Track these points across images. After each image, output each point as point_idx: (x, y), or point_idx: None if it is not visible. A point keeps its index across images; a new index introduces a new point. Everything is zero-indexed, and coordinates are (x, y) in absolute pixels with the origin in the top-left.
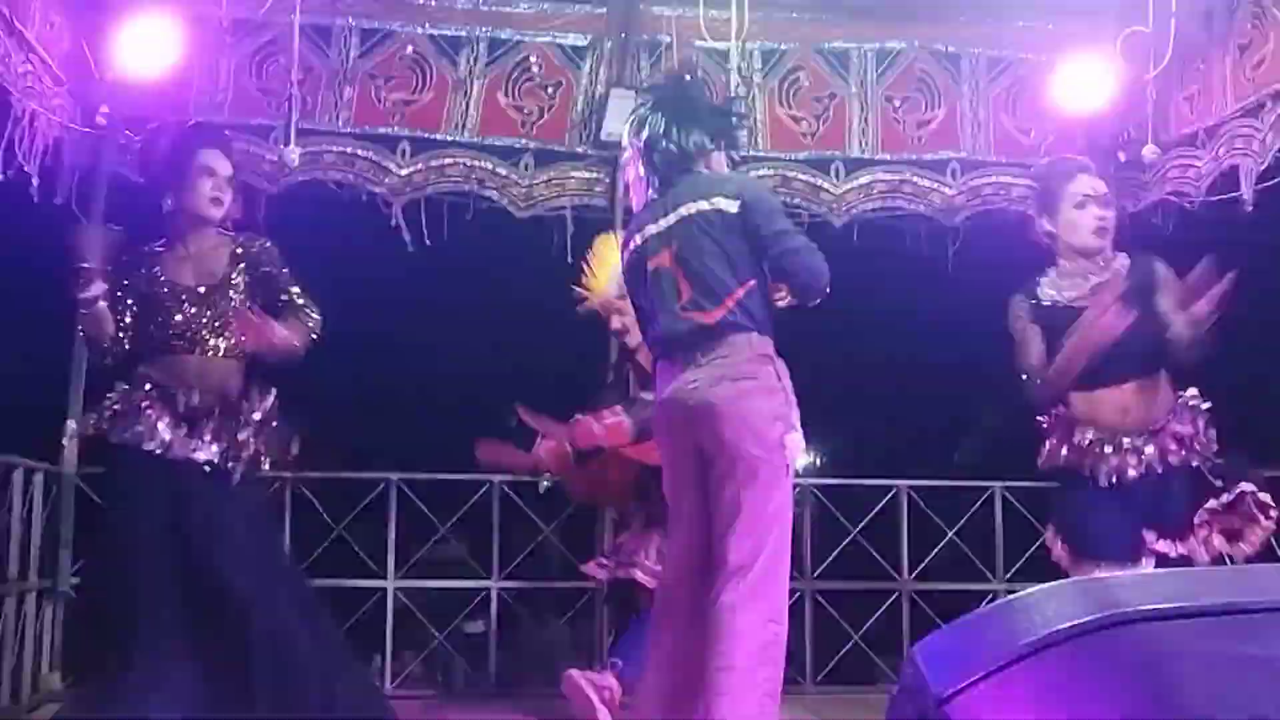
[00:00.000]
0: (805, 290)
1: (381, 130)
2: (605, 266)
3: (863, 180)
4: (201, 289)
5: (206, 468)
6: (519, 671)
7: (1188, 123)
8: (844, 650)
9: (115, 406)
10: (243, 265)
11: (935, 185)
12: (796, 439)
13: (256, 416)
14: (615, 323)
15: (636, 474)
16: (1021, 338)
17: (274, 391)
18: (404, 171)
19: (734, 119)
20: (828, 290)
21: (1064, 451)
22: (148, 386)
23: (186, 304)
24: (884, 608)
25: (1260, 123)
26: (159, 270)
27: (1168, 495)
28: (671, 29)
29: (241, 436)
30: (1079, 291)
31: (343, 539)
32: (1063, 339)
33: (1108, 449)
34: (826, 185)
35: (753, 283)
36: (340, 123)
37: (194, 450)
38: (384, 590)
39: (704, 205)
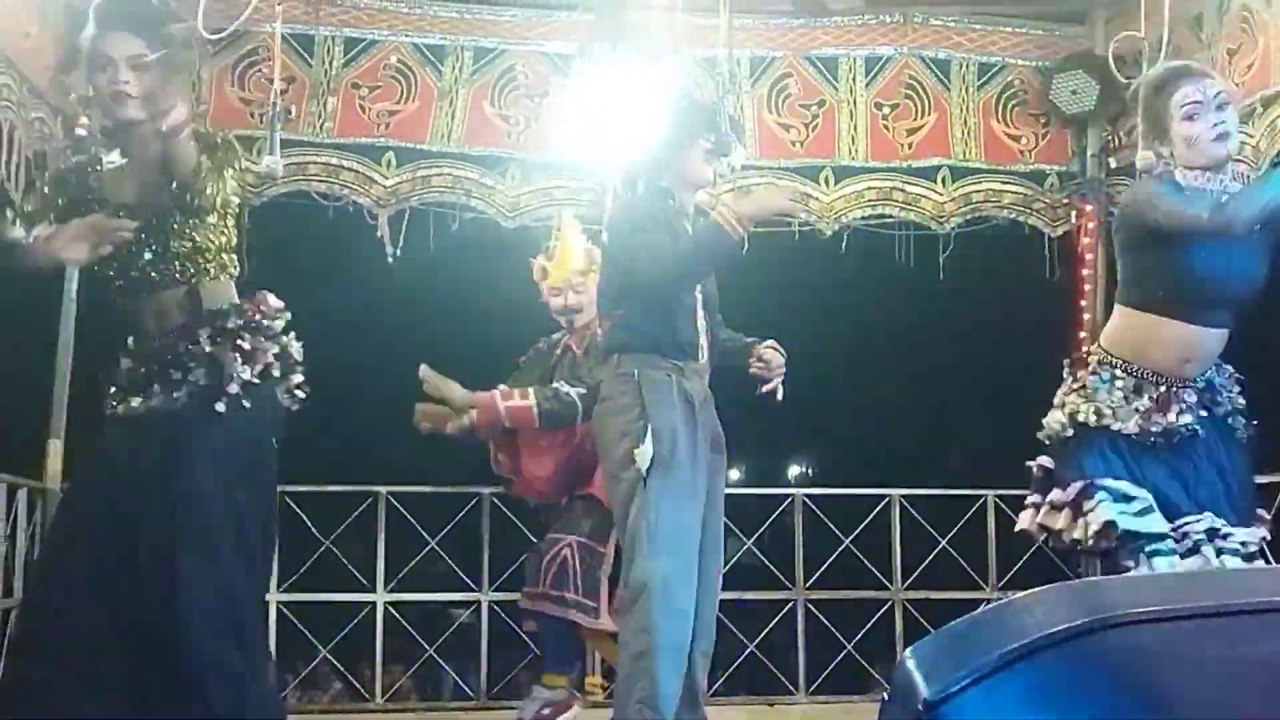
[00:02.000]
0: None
1: (366, 140)
2: (569, 243)
3: (853, 188)
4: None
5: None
6: (509, 683)
7: None
8: (836, 659)
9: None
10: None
11: (925, 192)
12: (644, 451)
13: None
14: (571, 299)
15: (552, 469)
16: (1173, 207)
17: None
18: (389, 182)
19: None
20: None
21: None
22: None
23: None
24: (876, 617)
25: (1251, 128)
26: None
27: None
28: (659, 36)
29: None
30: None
31: (331, 552)
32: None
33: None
34: (816, 193)
35: (621, 312)
36: (324, 133)
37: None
38: (373, 604)
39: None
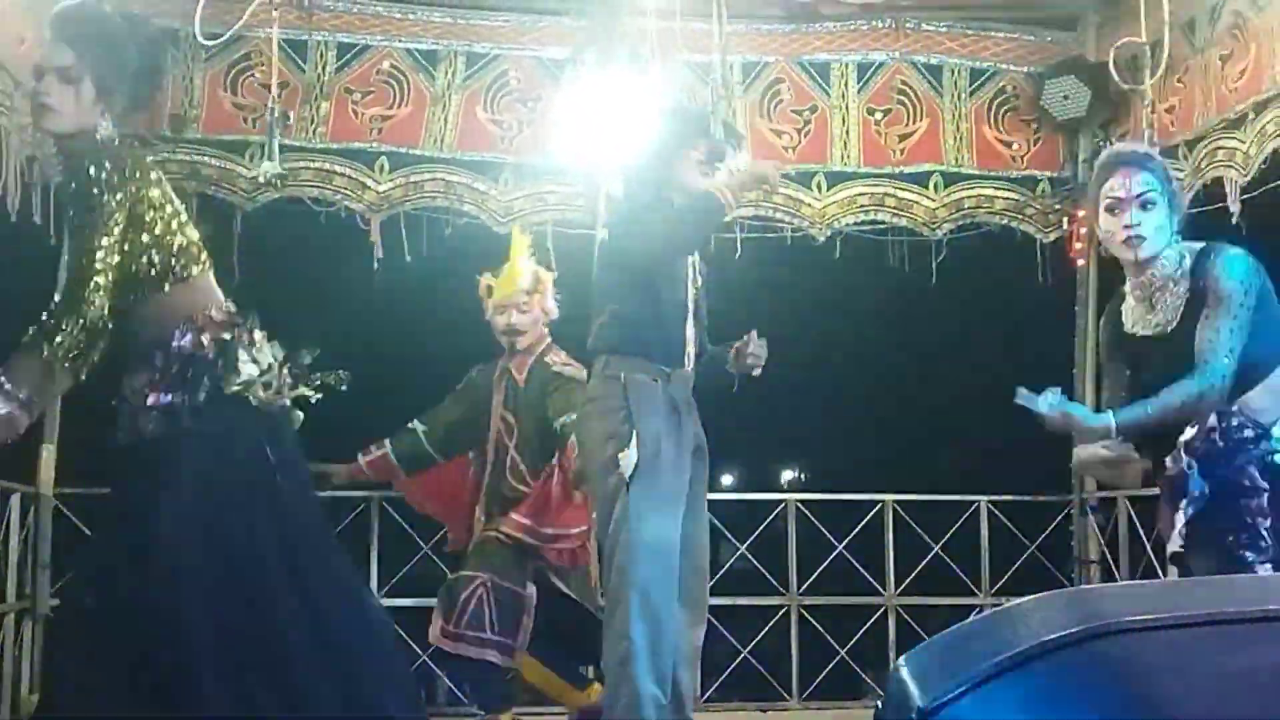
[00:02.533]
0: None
1: (359, 145)
2: (517, 262)
3: (845, 193)
4: None
5: None
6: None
7: (1168, 135)
8: (830, 665)
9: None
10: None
11: (917, 198)
12: (629, 456)
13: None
14: (515, 318)
15: (455, 491)
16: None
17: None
18: (382, 187)
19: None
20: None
21: None
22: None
23: None
24: (869, 622)
25: (1243, 134)
26: None
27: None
28: (652, 42)
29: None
30: (1144, 325)
31: None
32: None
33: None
34: (808, 199)
35: (612, 307)
36: (317, 138)
37: None
38: None
39: (603, 234)
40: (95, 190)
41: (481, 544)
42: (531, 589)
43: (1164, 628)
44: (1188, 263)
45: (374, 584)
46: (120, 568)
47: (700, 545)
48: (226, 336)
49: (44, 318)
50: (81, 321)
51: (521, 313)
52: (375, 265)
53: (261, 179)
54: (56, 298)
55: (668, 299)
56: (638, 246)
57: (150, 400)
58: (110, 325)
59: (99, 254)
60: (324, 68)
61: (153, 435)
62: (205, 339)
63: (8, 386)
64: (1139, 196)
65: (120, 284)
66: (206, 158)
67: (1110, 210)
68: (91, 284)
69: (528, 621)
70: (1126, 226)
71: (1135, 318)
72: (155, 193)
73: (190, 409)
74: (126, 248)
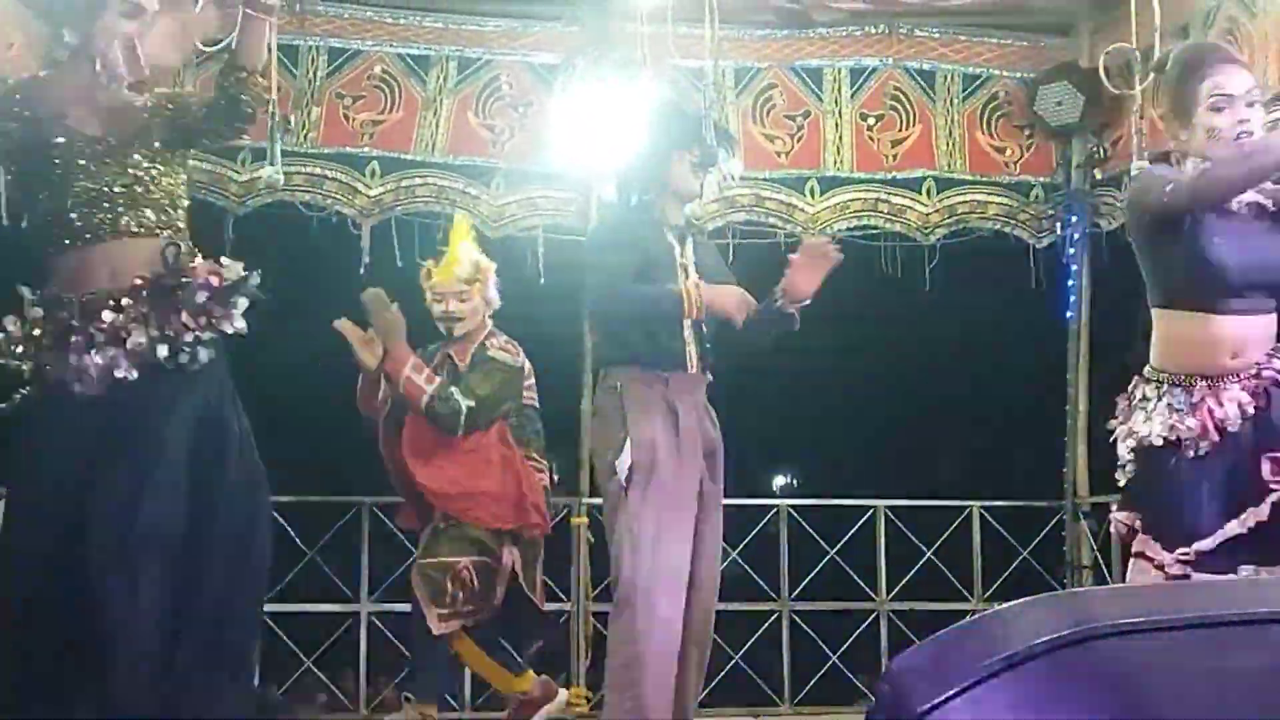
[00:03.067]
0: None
1: (350, 150)
2: (457, 250)
3: (838, 199)
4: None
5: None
6: (492, 693)
7: (1160, 140)
8: (822, 671)
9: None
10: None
11: (910, 203)
12: (623, 461)
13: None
14: (453, 306)
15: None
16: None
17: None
18: (374, 192)
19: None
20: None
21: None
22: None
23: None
24: (862, 628)
25: None
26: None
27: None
28: (644, 47)
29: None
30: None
31: (315, 563)
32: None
33: (1194, 396)
34: (801, 204)
35: (601, 324)
36: (308, 143)
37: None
38: (357, 614)
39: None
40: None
41: (446, 531)
42: (509, 556)
43: (1155, 630)
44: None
45: (364, 590)
46: None
47: (712, 545)
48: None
49: None
50: None
51: (460, 301)
52: (362, 270)
53: (264, 184)
54: None
55: (655, 318)
56: (591, 289)
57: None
58: None
59: None
60: (315, 72)
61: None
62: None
63: None
64: (1246, 93)
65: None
66: (197, 161)
67: (1217, 109)
68: None
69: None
70: (1240, 122)
71: None
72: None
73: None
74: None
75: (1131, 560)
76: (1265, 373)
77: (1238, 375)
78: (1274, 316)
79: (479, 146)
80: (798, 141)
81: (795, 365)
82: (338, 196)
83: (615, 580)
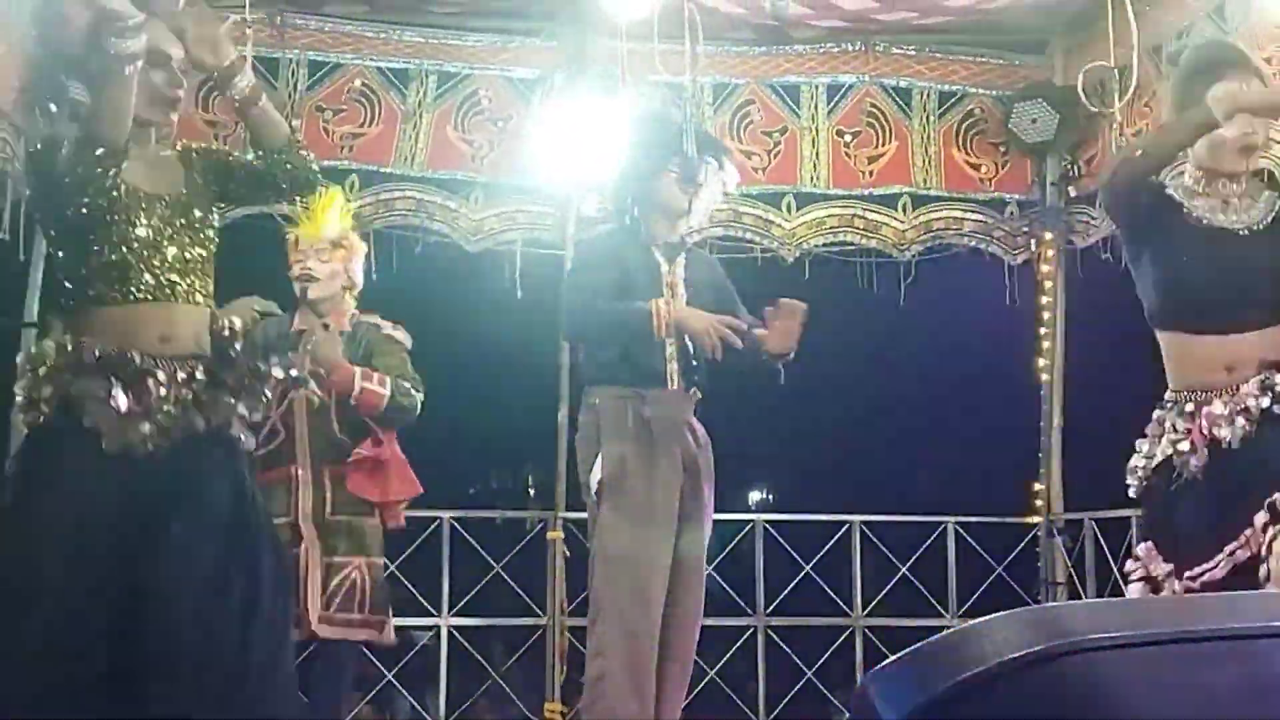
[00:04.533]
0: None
1: (329, 163)
2: (326, 211)
3: (814, 214)
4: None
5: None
6: (467, 708)
7: None
8: (797, 686)
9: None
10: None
11: (886, 219)
12: (594, 475)
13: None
14: (312, 264)
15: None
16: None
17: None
18: (353, 205)
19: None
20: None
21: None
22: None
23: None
24: (837, 644)
25: None
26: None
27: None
28: (623, 63)
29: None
30: (1213, 216)
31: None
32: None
33: (1188, 411)
34: (778, 220)
35: (581, 344)
36: None
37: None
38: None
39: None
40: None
41: (345, 525)
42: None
43: (1131, 646)
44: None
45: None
46: None
47: (695, 560)
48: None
49: None
50: None
51: (321, 261)
52: None
53: None
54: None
55: (625, 336)
56: (564, 306)
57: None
58: None
59: None
60: (295, 85)
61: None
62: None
63: None
64: (1264, 102)
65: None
66: None
67: (1225, 115)
68: None
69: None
70: (1245, 133)
71: (1200, 204)
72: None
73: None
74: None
75: (1133, 584)
76: (1249, 397)
77: (1234, 389)
78: (1273, 331)
79: (458, 160)
80: (775, 157)
81: (770, 380)
82: None
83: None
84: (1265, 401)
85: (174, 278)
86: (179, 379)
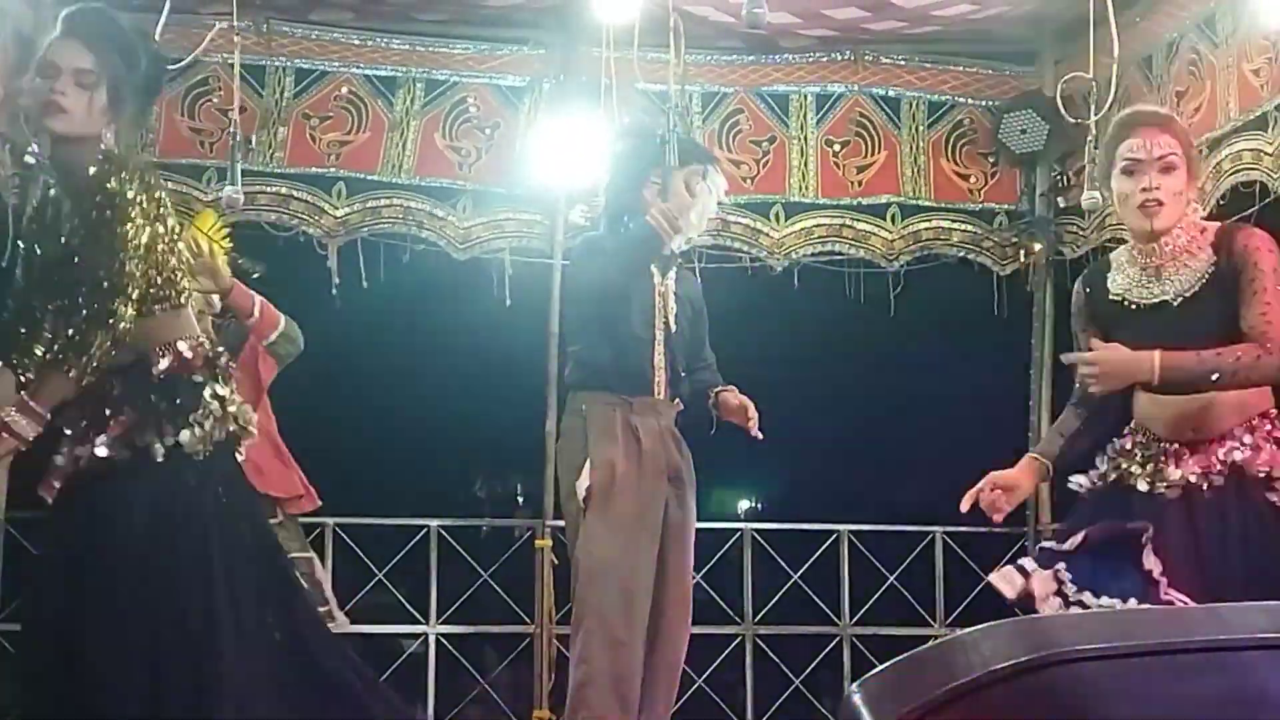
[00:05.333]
0: None
1: (317, 170)
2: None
3: (803, 224)
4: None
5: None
6: (456, 716)
7: None
8: (784, 695)
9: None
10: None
11: (875, 229)
12: (581, 482)
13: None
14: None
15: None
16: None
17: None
18: (340, 212)
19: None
20: None
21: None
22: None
23: None
24: (825, 652)
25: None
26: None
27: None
28: (611, 71)
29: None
30: (1146, 294)
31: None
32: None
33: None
34: (766, 229)
35: (574, 348)
36: (274, 163)
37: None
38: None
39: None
40: (109, 199)
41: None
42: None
43: (1113, 657)
44: (1206, 237)
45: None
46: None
47: (679, 569)
48: (199, 379)
49: (69, 333)
50: (111, 336)
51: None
52: (333, 290)
53: (224, 203)
54: (83, 311)
55: (625, 332)
56: (587, 289)
57: (99, 434)
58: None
59: (129, 264)
60: (282, 93)
61: (97, 469)
62: (184, 370)
63: (36, 408)
64: (1160, 159)
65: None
66: (163, 182)
67: (1127, 172)
68: (122, 296)
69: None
70: (1144, 190)
71: (1132, 286)
72: (169, 209)
73: (142, 447)
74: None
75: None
76: (1229, 452)
77: (1204, 445)
78: (1214, 395)
79: (446, 168)
80: (764, 167)
81: (758, 389)
82: (304, 216)
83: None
84: (1238, 455)
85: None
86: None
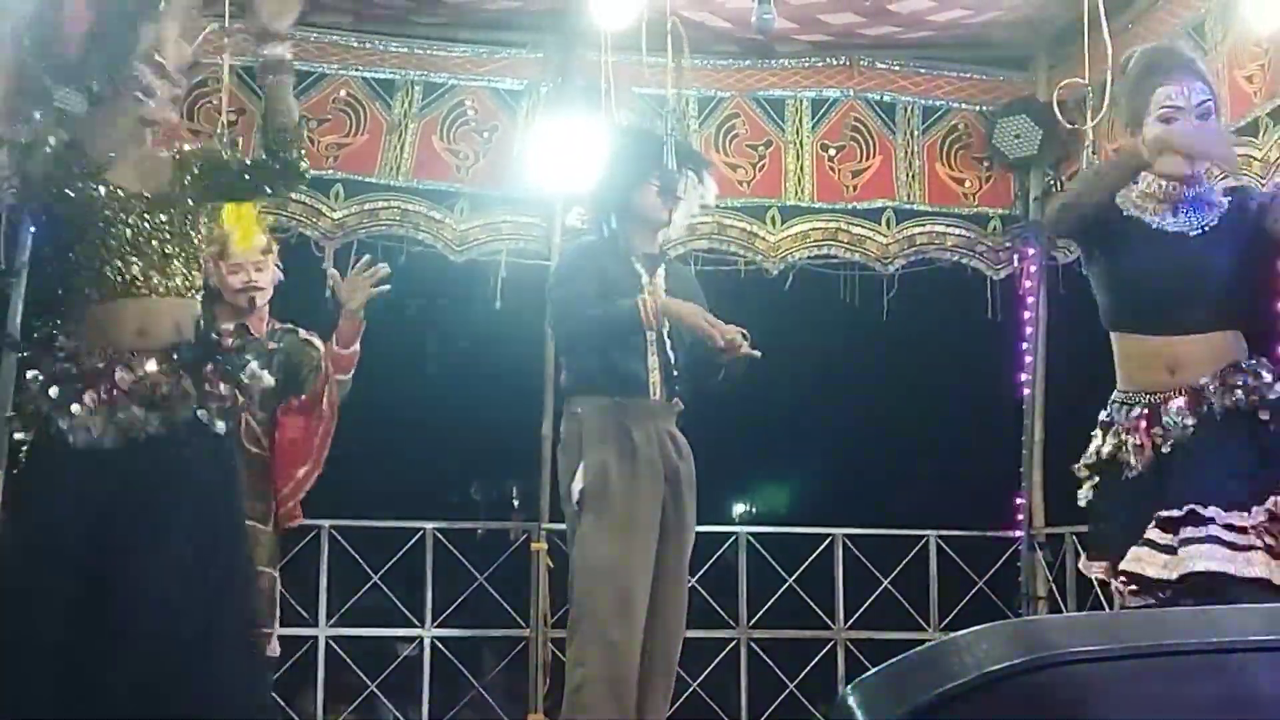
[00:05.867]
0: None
1: (314, 172)
2: (250, 224)
3: (799, 228)
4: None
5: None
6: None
7: None
8: (779, 699)
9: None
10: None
11: (870, 233)
12: (575, 485)
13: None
14: (253, 275)
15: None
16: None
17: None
18: (337, 215)
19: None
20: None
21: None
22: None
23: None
24: (819, 656)
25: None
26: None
27: (1220, 453)
28: (608, 75)
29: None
30: (1163, 220)
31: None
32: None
33: (1135, 413)
34: (762, 233)
35: (565, 356)
36: None
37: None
38: (315, 639)
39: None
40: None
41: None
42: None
43: (1109, 659)
44: (1219, 186)
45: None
46: None
47: (676, 571)
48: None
49: None
50: None
51: (258, 270)
52: (328, 293)
53: None
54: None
55: (616, 337)
56: (555, 318)
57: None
58: None
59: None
60: None
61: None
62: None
63: None
64: (1198, 106)
65: None
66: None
67: (1166, 120)
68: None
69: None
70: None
71: (1154, 209)
72: None
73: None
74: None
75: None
76: (1229, 377)
77: (1178, 391)
78: (1218, 335)
79: (443, 171)
80: (759, 170)
81: (753, 393)
82: (302, 219)
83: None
84: (1230, 399)
85: (153, 273)
86: (152, 372)
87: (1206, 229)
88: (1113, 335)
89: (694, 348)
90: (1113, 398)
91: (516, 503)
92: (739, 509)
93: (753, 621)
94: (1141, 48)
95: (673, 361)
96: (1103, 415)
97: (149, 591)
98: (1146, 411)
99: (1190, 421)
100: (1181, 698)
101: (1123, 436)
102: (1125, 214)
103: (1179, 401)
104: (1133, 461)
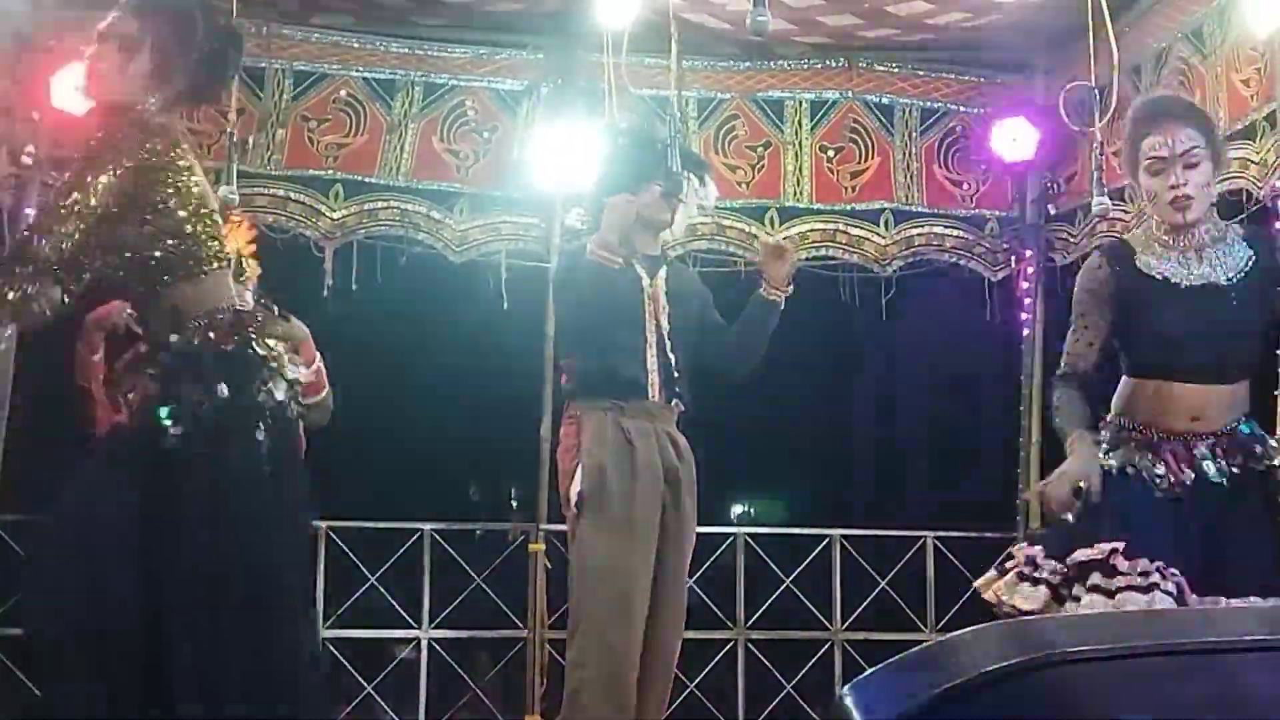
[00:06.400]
0: None
1: (314, 173)
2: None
3: (797, 229)
4: None
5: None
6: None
7: (1115, 177)
8: (776, 699)
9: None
10: None
11: (868, 234)
12: (574, 487)
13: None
14: None
15: None
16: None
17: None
18: (337, 215)
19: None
20: None
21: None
22: None
23: None
24: (816, 657)
25: None
26: None
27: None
28: (608, 76)
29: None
30: (1191, 277)
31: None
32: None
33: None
34: (761, 233)
35: (565, 359)
36: (273, 165)
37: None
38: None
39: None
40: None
41: None
42: None
43: (1108, 659)
44: (1234, 229)
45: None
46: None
47: (676, 572)
48: (230, 345)
49: None
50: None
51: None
52: (325, 293)
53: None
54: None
55: (614, 339)
56: (557, 325)
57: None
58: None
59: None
60: (281, 95)
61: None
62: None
63: None
64: (1184, 154)
65: (138, 265)
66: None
67: (1153, 171)
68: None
69: None
70: (1173, 187)
71: (1175, 267)
72: (185, 170)
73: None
74: (121, 213)
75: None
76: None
77: (1203, 436)
78: (1242, 385)
79: (443, 171)
80: (759, 172)
81: (752, 395)
82: (301, 219)
83: (571, 606)
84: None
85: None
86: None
87: (1236, 279)
88: (1128, 380)
89: (703, 344)
90: (1118, 425)
91: (514, 504)
92: (737, 510)
93: (750, 622)
94: (1139, 98)
95: (673, 363)
96: (1109, 435)
97: (193, 589)
98: (1171, 449)
99: (1216, 468)
100: (1178, 696)
101: (1138, 460)
102: (1151, 276)
103: (1202, 447)
104: (1159, 483)
